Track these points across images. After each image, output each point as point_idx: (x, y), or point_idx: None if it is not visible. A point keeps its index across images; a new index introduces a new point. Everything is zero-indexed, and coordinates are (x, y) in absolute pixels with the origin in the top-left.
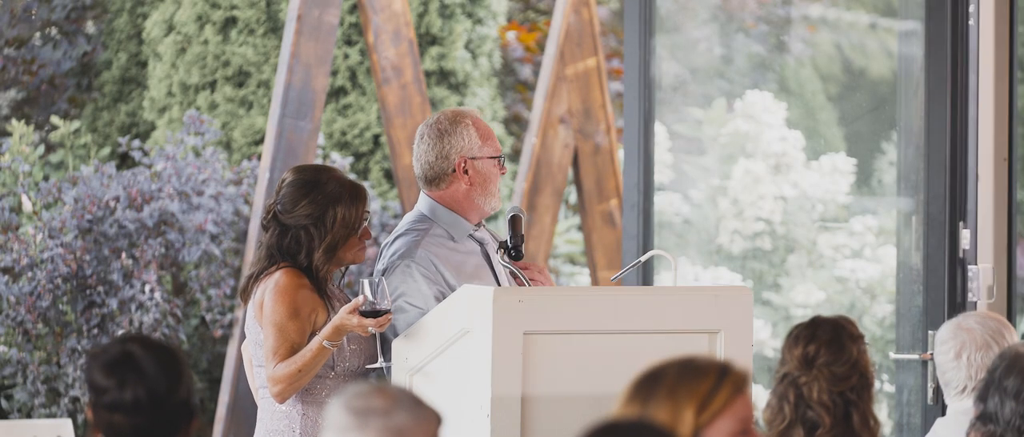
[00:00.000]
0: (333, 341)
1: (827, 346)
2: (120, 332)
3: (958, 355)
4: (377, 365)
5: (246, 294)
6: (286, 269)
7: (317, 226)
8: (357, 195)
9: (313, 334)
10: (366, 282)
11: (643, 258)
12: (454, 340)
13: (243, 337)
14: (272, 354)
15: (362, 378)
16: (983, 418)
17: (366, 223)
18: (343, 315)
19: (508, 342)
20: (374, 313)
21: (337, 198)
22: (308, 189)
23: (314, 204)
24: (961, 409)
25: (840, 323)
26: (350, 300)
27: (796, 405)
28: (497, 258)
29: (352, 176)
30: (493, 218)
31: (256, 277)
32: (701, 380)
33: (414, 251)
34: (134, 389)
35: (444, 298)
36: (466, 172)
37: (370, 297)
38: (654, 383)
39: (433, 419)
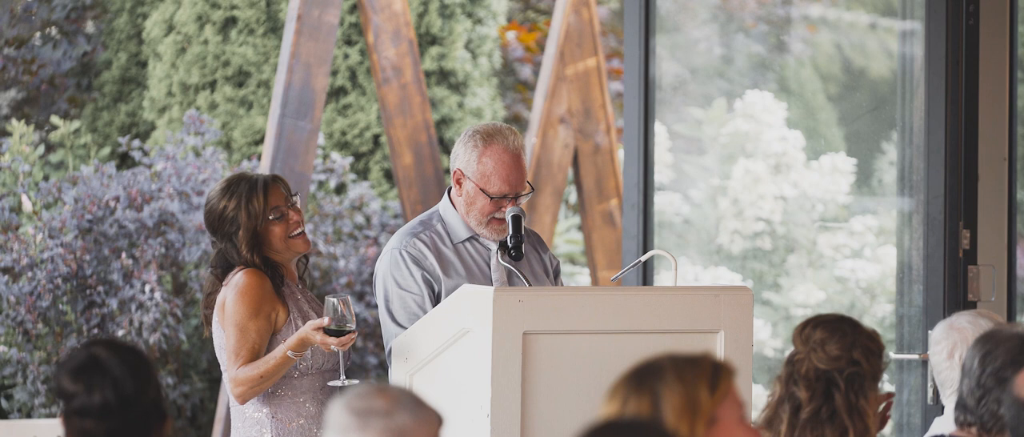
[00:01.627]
0: (296, 352)
1: (824, 326)
2: (120, 332)
3: (950, 355)
4: (339, 383)
5: (208, 312)
6: (246, 270)
7: (241, 230)
8: (257, 185)
9: (276, 333)
10: (332, 301)
11: (643, 258)
12: (454, 340)
13: None
14: (234, 355)
15: (326, 376)
16: (958, 407)
17: (283, 215)
18: (308, 330)
19: (508, 342)
20: (338, 332)
21: (241, 196)
22: (217, 204)
23: (225, 214)
24: None
25: (852, 320)
26: (317, 300)
27: (787, 381)
28: (496, 261)
29: (352, 176)
30: None
31: (211, 294)
32: (700, 363)
33: (404, 239)
34: (102, 392)
35: (431, 281)
36: (459, 183)
37: (336, 315)
38: (657, 372)
39: (434, 420)
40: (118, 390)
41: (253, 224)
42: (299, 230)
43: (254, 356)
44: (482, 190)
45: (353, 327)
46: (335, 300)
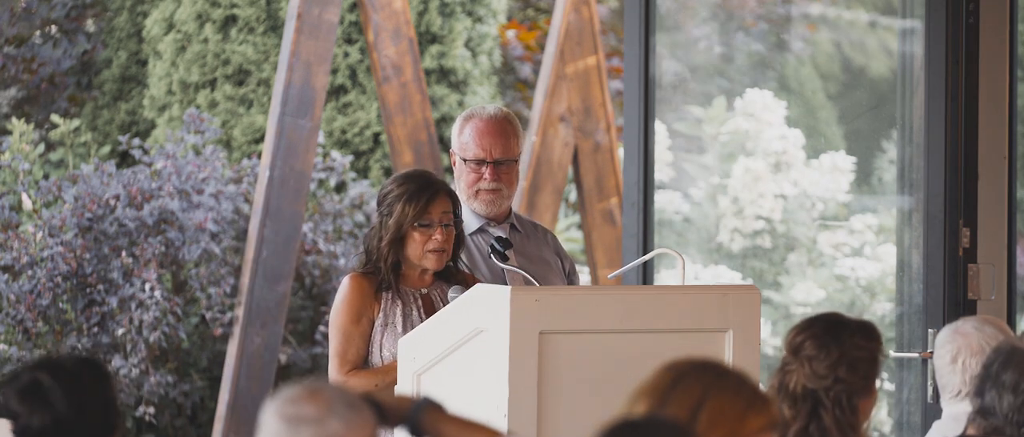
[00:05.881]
0: None
1: (814, 339)
2: (120, 331)
3: (954, 359)
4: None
5: None
6: (350, 276)
7: (392, 220)
8: (415, 193)
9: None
10: (453, 296)
11: (649, 255)
12: (467, 340)
13: (243, 336)
14: (340, 357)
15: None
16: (982, 412)
17: (432, 225)
18: None
19: (525, 341)
20: None
21: (401, 194)
22: (392, 185)
23: (388, 197)
24: (956, 412)
25: (844, 321)
26: (440, 300)
27: (779, 392)
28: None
29: (352, 174)
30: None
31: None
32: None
33: None
34: (41, 416)
35: None
36: (455, 166)
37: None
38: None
39: (368, 424)
40: (55, 414)
41: (402, 221)
42: (436, 248)
43: (359, 361)
44: (463, 160)
45: None
46: (456, 294)
